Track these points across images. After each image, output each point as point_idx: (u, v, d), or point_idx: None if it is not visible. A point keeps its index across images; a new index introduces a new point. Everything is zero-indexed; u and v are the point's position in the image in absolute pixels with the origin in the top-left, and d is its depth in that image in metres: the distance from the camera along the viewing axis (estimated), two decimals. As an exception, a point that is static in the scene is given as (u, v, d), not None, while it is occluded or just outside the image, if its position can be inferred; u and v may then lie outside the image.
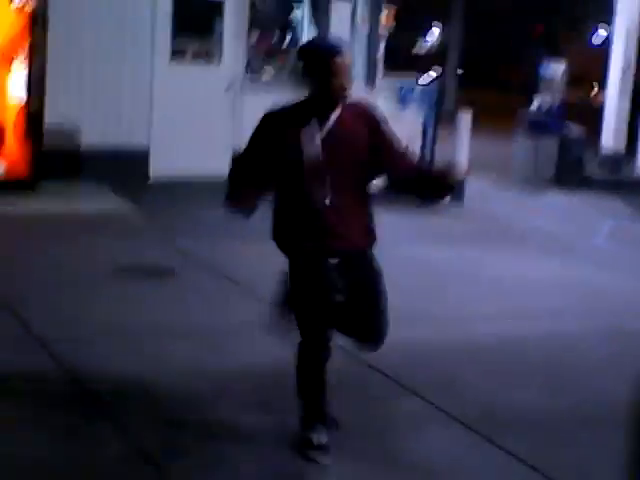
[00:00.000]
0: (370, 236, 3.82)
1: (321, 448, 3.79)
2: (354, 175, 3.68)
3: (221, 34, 10.32)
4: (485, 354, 5.36)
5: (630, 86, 12.86)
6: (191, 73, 10.23)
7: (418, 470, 3.86)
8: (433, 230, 9.19)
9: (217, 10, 10.31)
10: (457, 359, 5.21)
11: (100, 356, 4.87)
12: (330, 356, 3.82)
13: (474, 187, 10.86)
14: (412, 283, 6.66)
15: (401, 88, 11.04)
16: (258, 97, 10.45)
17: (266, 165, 3.73)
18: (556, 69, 12.61)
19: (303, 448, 3.80)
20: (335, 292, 3.76)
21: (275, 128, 3.70)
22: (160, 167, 10.04)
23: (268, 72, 10.79)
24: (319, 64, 3.58)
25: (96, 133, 9.63)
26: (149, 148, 10.05)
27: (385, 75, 12.12)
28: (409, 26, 35.43)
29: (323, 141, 3.60)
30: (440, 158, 10.96)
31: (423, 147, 10.69)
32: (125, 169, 9.57)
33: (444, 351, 5.34)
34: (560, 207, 10.97)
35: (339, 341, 3.99)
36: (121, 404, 4.30)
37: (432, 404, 4.52)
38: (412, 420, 4.38)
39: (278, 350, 5.10)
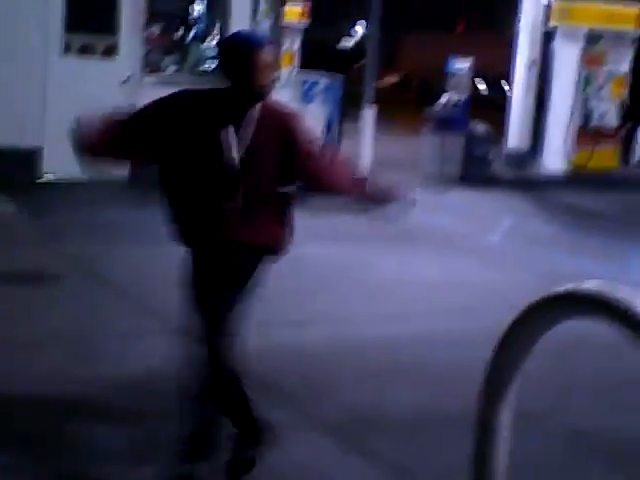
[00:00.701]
0: (274, 241, 3.54)
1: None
2: (267, 185, 3.45)
3: (117, 28, 10.02)
4: (360, 356, 5.25)
5: (535, 83, 12.95)
6: (86, 68, 9.91)
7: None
8: (328, 229, 9.06)
9: (113, 3, 10.02)
10: (331, 362, 5.08)
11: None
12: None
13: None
14: (296, 284, 6.51)
15: (304, 83, 10.91)
16: (156, 92, 10.18)
17: (155, 139, 3.48)
18: (462, 66, 12.65)
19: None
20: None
21: (187, 113, 3.44)
22: (53, 167, 9.70)
23: (167, 67, 10.54)
24: (240, 58, 3.36)
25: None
26: (42, 147, 9.70)
27: (299, 71, 12.02)
28: (335, 22, 35.49)
29: (240, 153, 3.38)
30: (345, 154, 10.89)
31: (326, 143, 10.58)
32: (15, 169, 9.23)
33: (318, 355, 5.21)
34: (462, 205, 10.98)
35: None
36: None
37: (300, 411, 4.38)
38: (278, 430, 4.23)
39: (151, 359, 4.94)
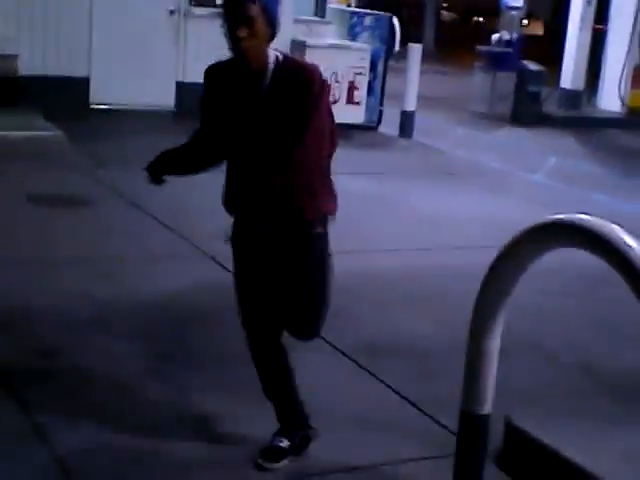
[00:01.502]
0: (316, 205, 3.23)
1: (271, 454, 3.29)
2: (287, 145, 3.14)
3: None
4: (384, 285, 5.32)
5: (591, 22, 12.61)
6: (132, -1, 9.98)
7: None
8: (376, 163, 9.10)
9: None
10: (354, 291, 5.14)
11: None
12: (278, 350, 3.32)
13: (426, 122, 10.75)
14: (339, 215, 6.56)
15: (352, 18, 10.80)
16: (202, 25, 10.25)
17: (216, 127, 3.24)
18: (515, 3, 12.37)
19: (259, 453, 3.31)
20: (263, 271, 3.24)
21: (215, 87, 3.23)
22: (101, 95, 9.86)
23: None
24: (224, 17, 3.04)
25: (35, 61, 9.42)
26: (89, 76, 9.84)
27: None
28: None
29: (254, 115, 3.12)
30: (392, 91, 10.84)
31: (373, 80, 10.51)
32: (65, 97, 9.39)
33: (344, 284, 5.26)
34: (511, 144, 10.84)
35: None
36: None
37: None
38: (294, 348, 4.33)
39: (172, 283, 5.09)
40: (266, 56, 3.12)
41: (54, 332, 4.27)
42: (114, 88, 9.85)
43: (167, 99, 10.23)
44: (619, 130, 12.24)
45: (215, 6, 10.36)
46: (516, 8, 12.30)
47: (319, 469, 3.33)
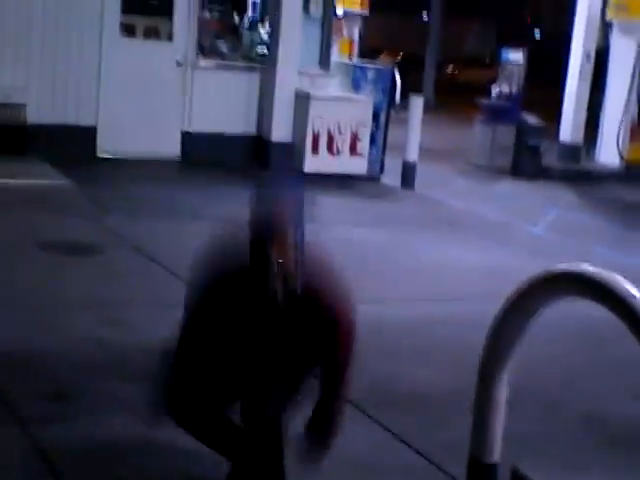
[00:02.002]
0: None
1: None
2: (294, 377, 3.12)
3: (172, 11, 10.25)
4: (389, 334, 5.37)
5: (590, 76, 12.84)
6: (141, 49, 10.18)
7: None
8: (378, 214, 9.23)
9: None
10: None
11: (-2, 326, 4.86)
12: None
13: (427, 173, 10.89)
14: (347, 263, 6.65)
15: (355, 71, 11.01)
16: (210, 75, 10.45)
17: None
18: (516, 57, 12.61)
19: None
20: None
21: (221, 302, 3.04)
22: (107, 145, 10.00)
23: (221, 51, 10.74)
24: (254, 247, 2.91)
25: (43, 109, 9.57)
26: (96, 125, 10.00)
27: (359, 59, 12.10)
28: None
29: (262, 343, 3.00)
30: (393, 142, 11.00)
31: (375, 131, 10.67)
32: (71, 146, 9.53)
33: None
34: (511, 196, 10.98)
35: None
36: (6, 372, 4.28)
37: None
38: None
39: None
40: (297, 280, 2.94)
41: (70, 375, 4.33)
42: (120, 137, 10.01)
43: (173, 148, 10.39)
44: (618, 184, 12.40)
45: (222, 58, 10.61)
46: (516, 62, 12.52)
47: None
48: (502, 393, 3.06)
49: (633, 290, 2.58)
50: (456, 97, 21.63)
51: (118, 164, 9.86)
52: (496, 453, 3.10)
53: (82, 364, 4.48)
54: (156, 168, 9.97)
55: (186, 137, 10.43)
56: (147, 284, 5.95)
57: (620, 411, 4.49)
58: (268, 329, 2.97)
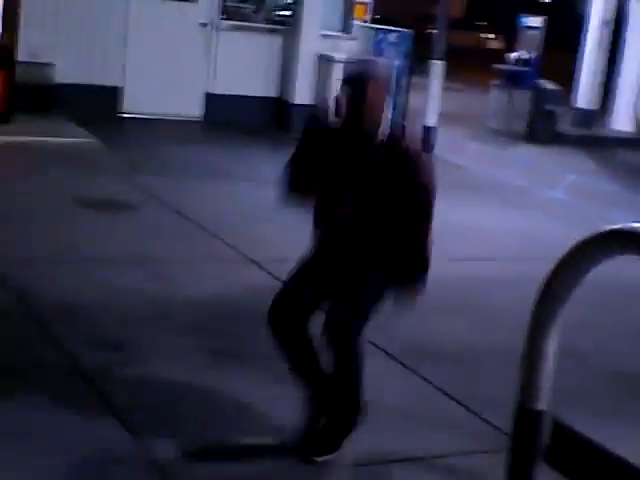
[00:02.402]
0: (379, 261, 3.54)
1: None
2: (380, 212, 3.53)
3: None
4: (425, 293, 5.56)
5: (607, 42, 12.91)
6: (167, 10, 10.26)
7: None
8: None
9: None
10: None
11: (49, 280, 5.04)
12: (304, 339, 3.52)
13: (445, 137, 11.02)
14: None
15: (377, 34, 11.09)
16: (233, 37, 10.55)
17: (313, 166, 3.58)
18: (535, 23, 12.67)
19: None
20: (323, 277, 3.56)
21: (318, 146, 3.54)
22: (133, 104, 10.13)
23: (244, 13, 10.82)
24: (346, 92, 3.42)
25: (70, 69, 9.69)
26: (122, 85, 10.12)
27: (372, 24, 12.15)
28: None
29: (355, 180, 3.50)
30: (412, 107, 11.12)
31: (396, 95, 10.77)
32: (97, 105, 9.67)
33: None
34: (527, 160, 11.11)
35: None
36: (62, 323, 4.47)
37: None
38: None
39: (222, 283, 5.35)
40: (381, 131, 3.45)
41: (119, 326, 4.52)
42: (145, 97, 10.13)
43: (195, 109, 10.51)
44: (632, 149, 12.52)
45: (245, 20, 10.69)
46: (535, 28, 12.59)
47: (369, 460, 3.55)
48: (552, 344, 3.24)
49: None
50: (467, 63, 21.65)
51: (142, 123, 10.01)
52: (544, 401, 3.29)
53: (132, 317, 4.68)
54: (179, 128, 10.11)
55: (209, 98, 10.55)
56: (183, 240, 6.13)
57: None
58: (359, 166, 3.47)
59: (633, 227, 3.02)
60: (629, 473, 3.32)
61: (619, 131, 13.11)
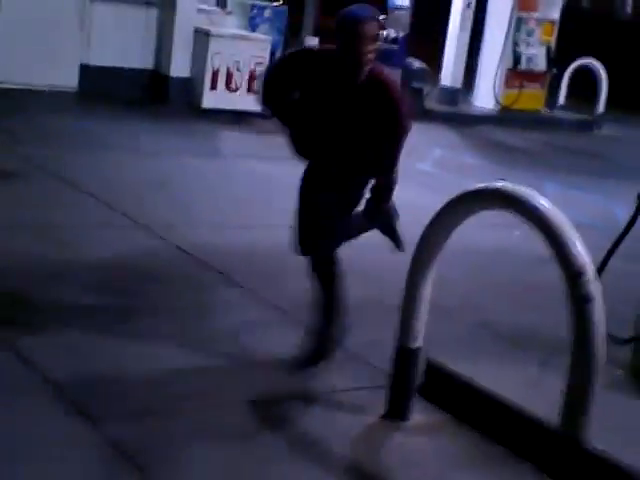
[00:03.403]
0: (363, 173, 4.24)
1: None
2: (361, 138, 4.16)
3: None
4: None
5: (470, 23, 13.58)
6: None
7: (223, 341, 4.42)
8: (276, 149, 9.68)
9: None
10: (280, 259, 5.74)
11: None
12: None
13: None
14: (247, 194, 7.22)
15: (252, 9, 11.33)
16: (108, 9, 10.57)
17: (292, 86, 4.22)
18: (403, 2, 13.18)
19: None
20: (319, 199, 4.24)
21: (301, 72, 4.17)
22: (5, 74, 10.01)
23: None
24: (346, 30, 4.00)
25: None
26: (-5, 55, 10.00)
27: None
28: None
29: (339, 111, 4.10)
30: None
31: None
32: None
33: (269, 252, 5.88)
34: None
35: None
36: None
37: (251, 293, 5.07)
38: (228, 305, 4.94)
39: (118, 245, 5.56)
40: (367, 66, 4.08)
41: (25, 286, 4.69)
42: (18, 68, 10.04)
43: (70, 80, 10.47)
44: (493, 126, 13.28)
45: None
46: (402, 7, 13.10)
47: (258, 395, 3.88)
48: (427, 290, 3.67)
49: (542, 200, 3.21)
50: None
51: (16, 94, 9.91)
52: (420, 339, 3.72)
53: (31, 278, 4.84)
54: (55, 99, 10.07)
55: (84, 69, 10.54)
56: (73, 208, 6.27)
57: (507, 318, 5.21)
58: (346, 98, 4.09)
59: (492, 186, 3.47)
60: (494, 403, 3.80)
61: (481, 109, 13.85)
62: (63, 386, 3.70)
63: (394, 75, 4.60)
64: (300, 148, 4.24)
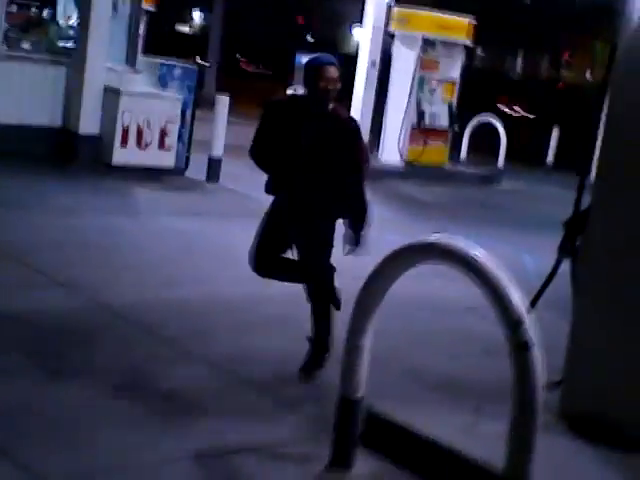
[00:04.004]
0: (332, 210, 4.87)
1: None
2: (328, 167, 4.80)
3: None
4: (230, 310, 5.94)
5: (375, 81, 13.95)
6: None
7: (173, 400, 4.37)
8: (190, 205, 9.75)
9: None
10: (207, 314, 5.74)
11: None
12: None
13: (229, 168, 11.46)
14: (165, 251, 7.21)
15: (162, 68, 11.37)
16: (15, 67, 10.44)
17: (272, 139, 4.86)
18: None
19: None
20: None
21: (277, 116, 4.87)
22: None
23: (25, 43, 10.76)
24: (311, 72, 4.76)
25: None
26: None
27: (146, 56, 12.40)
28: (171, 9, 35.54)
29: (309, 140, 4.75)
30: (199, 139, 11.48)
31: (181, 127, 11.10)
32: None
33: (197, 308, 5.86)
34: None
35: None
36: None
37: (184, 350, 5.04)
38: (165, 361, 4.88)
39: (39, 304, 5.45)
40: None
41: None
42: None
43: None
44: (399, 180, 13.61)
45: (28, 50, 10.63)
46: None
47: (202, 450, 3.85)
48: (367, 342, 3.74)
49: (475, 250, 3.33)
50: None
51: None
52: (362, 390, 3.77)
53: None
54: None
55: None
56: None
57: (437, 366, 5.32)
58: (313, 130, 4.76)
59: (429, 239, 3.58)
60: (437, 449, 3.87)
61: (387, 164, 14.18)
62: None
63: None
64: (277, 185, 4.88)
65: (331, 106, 4.77)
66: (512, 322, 3.14)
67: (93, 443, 3.79)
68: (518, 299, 3.20)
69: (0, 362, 4.53)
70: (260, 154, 4.89)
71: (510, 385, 3.23)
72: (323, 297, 4.94)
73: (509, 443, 3.20)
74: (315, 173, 4.78)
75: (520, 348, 3.11)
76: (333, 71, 4.72)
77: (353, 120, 4.97)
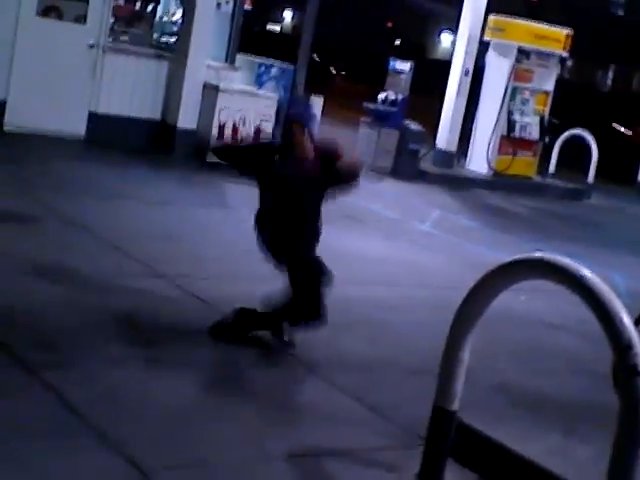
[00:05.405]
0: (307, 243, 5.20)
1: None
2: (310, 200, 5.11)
3: (88, -5, 10.50)
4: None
5: (467, 90, 13.92)
6: (55, 29, 10.37)
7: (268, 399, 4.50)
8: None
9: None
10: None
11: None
12: None
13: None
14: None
15: (260, 67, 11.57)
16: (120, 59, 10.77)
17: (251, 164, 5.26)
18: (403, 67, 13.51)
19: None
20: None
21: (265, 157, 5.22)
22: (15, 120, 10.15)
23: (130, 36, 11.07)
24: (285, 127, 5.29)
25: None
26: (6, 100, 10.13)
27: (242, 54, 12.63)
28: (263, 8, 35.94)
29: (290, 180, 5.05)
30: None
31: (276, 126, 11.27)
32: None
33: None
34: (394, 195, 11.86)
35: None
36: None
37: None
38: (264, 360, 5.04)
39: (140, 294, 5.65)
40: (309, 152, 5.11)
41: (55, 331, 4.79)
42: (29, 113, 10.18)
43: (78, 128, 10.62)
44: (486, 190, 13.56)
45: (133, 44, 10.94)
46: (403, 71, 13.43)
47: (300, 452, 3.95)
48: (466, 355, 3.80)
49: (582, 269, 3.35)
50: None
51: (25, 139, 10.03)
52: (457, 402, 3.83)
53: (61, 327, 4.92)
54: (63, 146, 10.20)
55: (92, 117, 10.70)
56: (88, 255, 6.35)
57: (522, 382, 5.34)
58: (294, 177, 5.06)
59: (533, 257, 3.62)
60: (524, 466, 3.90)
61: (474, 172, 14.13)
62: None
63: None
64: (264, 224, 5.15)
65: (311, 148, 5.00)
66: (622, 346, 3.14)
67: (189, 435, 3.91)
68: (628, 323, 3.20)
69: (102, 351, 4.71)
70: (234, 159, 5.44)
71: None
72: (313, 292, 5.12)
73: (611, 472, 3.18)
74: (292, 222, 5.08)
75: (629, 373, 3.11)
76: (306, 131, 4.97)
77: (331, 145, 5.10)
